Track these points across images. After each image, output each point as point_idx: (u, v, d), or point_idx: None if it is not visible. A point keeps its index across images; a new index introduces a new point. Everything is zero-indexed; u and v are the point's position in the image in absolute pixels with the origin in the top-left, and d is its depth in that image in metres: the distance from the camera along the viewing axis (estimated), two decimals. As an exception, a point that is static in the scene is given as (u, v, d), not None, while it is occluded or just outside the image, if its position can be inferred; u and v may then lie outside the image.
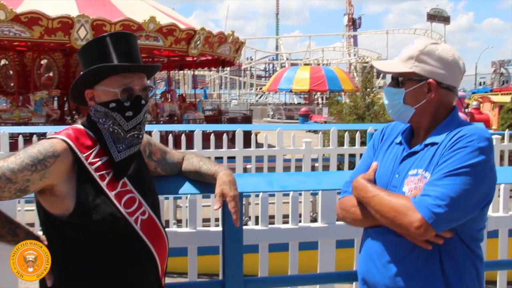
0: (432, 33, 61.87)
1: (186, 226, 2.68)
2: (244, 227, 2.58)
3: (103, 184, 1.76)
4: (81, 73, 1.80)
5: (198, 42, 13.53)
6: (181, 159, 2.17)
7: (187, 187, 2.15)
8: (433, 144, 1.73)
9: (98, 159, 1.78)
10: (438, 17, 62.36)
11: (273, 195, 5.57)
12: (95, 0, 13.49)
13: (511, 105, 13.12)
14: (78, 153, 1.75)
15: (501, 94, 22.87)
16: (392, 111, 1.83)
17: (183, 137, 6.42)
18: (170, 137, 6.64)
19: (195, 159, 2.15)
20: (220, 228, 2.69)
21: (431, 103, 1.77)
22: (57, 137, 1.76)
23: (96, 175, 1.76)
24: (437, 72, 1.75)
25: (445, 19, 63.26)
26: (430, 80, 1.75)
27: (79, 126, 1.85)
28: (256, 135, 8.00)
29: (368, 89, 8.13)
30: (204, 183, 2.12)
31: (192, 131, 6.56)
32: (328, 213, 2.70)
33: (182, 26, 13.09)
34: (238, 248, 2.24)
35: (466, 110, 13.86)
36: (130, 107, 1.79)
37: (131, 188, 1.84)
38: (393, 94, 1.82)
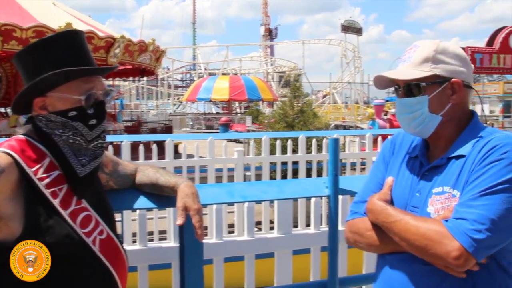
0: (346, 43, 64.18)
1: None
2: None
3: (56, 202, 1.55)
4: (38, 79, 1.53)
5: (118, 51, 13.08)
6: (134, 171, 1.98)
7: (142, 201, 1.96)
8: (458, 157, 1.53)
9: (48, 174, 1.56)
10: (351, 28, 64.59)
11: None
12: (2, 3, 12.64)
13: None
14: (25, 167, 1.52)
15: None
16: (415, 124, 1.61)
17: (110, 148, 6.11)
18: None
19: (150, 170, 1.96)
20: (172, 243, 2.52)
21: (456, 106, 1.59)
22: None
23: (47, 192, 1.54)
24: (458, 70, 1.59)
25: (358, 31, 65.67)
26: (455, 79, 1.58)
27: (21, 136, 1.62)
28: (176, 145, 7.81)
29: (297, 97, 8.19)
30: (161, 196, 1.95)
31: (111, 142, 6.27)
32: (284, 223, 2.61)
33: (100, 34, 12.59)
34: (199, 265, 2.08)
35: (385, 117, 14.42)
36: (94, 115, 1.59)
37: (86, 205, 1.63)
38: (413, 104, 1.60)
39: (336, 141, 2.23)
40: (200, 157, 6.57)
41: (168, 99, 61.90)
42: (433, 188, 1.55)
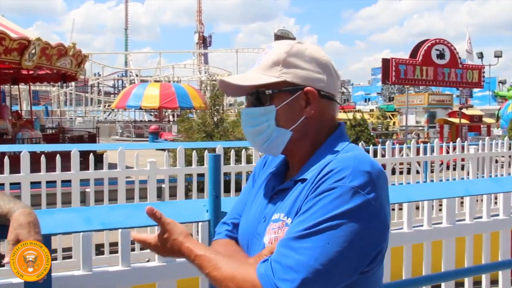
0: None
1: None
2: (58, 274, 2.06)
3: None
4: None
5: (34, 53, 12.29)
6: None
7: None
8: (303, 180, 1.27)
9: None
10: (284, 38, 64.88)
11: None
12: None
13: (354, 122, 13.97)
14: None
15: (343, 112, 24.49)
16: (260, 140, 1.35)
17: (6, 160, 5.56)
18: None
19: None
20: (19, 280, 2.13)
21: (311, 120, 1.32)
22: None
23: None
24: (315, 77, 1.32)
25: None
26: (308, 88, 1.30)
27: None
28: (99, 155, 7.34)
29: (217, 106, 7.86)
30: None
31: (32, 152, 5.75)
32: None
33: (13, 35, 11.79)
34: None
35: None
36: None
37: None
38: (259, 115, 1.33)
39: (216, 157, 1.94)
40: (109, 168, 6.10)
41: (98, 106, 60.11)
42: (273, 215, 1.30)
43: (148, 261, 5.80)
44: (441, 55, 14.49)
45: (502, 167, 9.60)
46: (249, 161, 6.72)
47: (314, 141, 1.33)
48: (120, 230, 2.22)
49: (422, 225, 3.08)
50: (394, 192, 2.63)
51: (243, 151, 6.67)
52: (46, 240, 1.71)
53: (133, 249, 5.96)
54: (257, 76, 1.33)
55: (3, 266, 4.46)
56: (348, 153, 1.25)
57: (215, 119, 7.84)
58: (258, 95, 1.33)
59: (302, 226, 1.15)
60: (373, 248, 1.19)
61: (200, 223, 2.36)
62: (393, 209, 7.47)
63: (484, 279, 3.25)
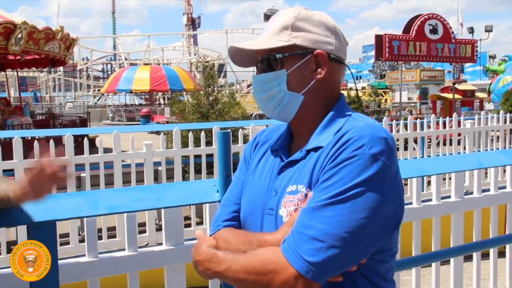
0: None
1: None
2: (63, 261, 1.98)
3: None
4: None
5: (20, 38, 12.03)
6: None
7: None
8: (316, 149, 1.26)
9: None
10: (274, 17, 64.54)
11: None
12: None
13: (348, 99, 13.94)
14: None
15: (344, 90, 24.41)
16: (272, 105, 1.33)
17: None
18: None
19: None
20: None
21: (322, 84, 1.32)
22: None
23: None
24: (324, 41, 1.33)
25: (280, 20, 65.55)
26: (318, 50, 1.31)
27: None
28: (92, 139, 7.24)
29: (212, 87, 7.71)
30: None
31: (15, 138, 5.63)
32: (174, 233, 2.20)
33: (-3, 19, 11.52)
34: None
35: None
36: None
37: None
38: (270, 80, 1.32)
39: (226, 135, 1.86)
40: (105, 152, 6.00)
41: (88, 91, 59.50)
42: (287, 187, 1.28)
43: (147, 244, 5.75)
44: (434, 30, 14.39)
45: (498, 141, 9.60)
46: (246, 141, 6.64)
47: (325, 105, 1.34)
48: (125, 214, 2.13)
49: (430, 199, 3.03)
50: (406, 166, 2.56)
51: (240, 131, 6.59)
52: (51, 226, 1.64)
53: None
54: (267, 41, 1.33)
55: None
56: (362, 122, 1.25)
57: (210, 99, 7.73)
58: (268, 61, 1.33)
59: (324, 195, 1.15)
60: (395, 213, 1.21)
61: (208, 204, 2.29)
62: (406, 184, 7.45)
63: (492, 252, 3.21)
